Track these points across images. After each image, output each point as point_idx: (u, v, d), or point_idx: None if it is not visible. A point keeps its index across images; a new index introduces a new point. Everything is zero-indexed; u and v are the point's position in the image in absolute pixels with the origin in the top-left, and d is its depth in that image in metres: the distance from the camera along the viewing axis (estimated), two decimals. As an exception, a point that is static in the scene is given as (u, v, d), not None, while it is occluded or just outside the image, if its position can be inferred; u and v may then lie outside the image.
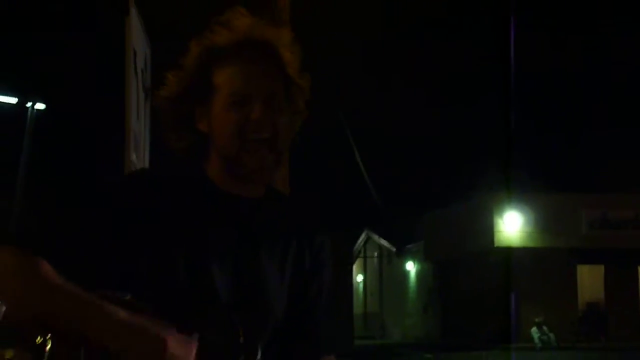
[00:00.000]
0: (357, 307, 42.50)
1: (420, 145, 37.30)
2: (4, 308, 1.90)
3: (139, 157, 5.11)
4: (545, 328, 26.65)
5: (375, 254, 44.27)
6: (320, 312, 2.03)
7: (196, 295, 1.85)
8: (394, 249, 40.21)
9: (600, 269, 29.06)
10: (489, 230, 28.63)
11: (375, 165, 29.82)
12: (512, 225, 28.18)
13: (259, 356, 1.81)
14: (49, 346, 1.78)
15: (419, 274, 38.25)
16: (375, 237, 42.33)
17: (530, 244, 28.17)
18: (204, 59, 1.96)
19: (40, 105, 20.46)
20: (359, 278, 45.99)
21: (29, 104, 20.29)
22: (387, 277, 42.60)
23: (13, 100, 20.63)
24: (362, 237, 44.01)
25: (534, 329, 26.59)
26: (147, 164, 5.51)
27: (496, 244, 28.35)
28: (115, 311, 1.73)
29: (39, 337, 1.79)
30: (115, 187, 1.95)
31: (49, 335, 1.79)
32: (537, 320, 26.66)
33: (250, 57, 1.95)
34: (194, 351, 1.73)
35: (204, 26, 2.00)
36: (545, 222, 28.28)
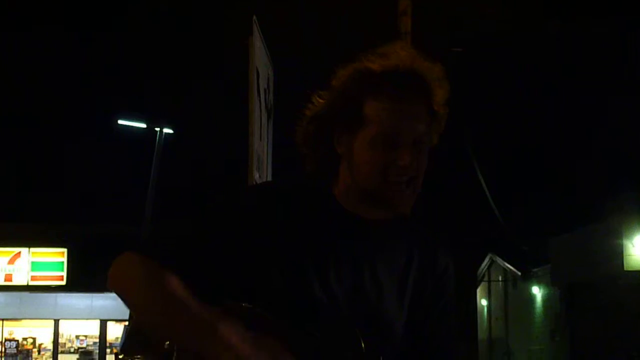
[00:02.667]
0: (482, 332, 41.83)
1: (546, 166, 36.60)
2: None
3: (262, 176, 5.14)
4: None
5: (500, 278, 43.52)
6: (443, 337, 2.00)
7: (318, 308, 1.85)
8: (519, 273, 39.45)
9: None
10: (619, 253, 27.79)
11: (500, 187, 29.38)
12: (643, 249, 27.28)
13: None
14: (175, 353, 1.82)
15: (545, 298, 37.39)
16: (500, 260, 41.62)
17: (662, 268, 27.19)
18: (357, 84, 1.92)
19: (168, 130, 21.01)
20: (484, 302, 45.29)
21: (157, 129, 20.85)
22: (512, 301, 41.81)
23: (143, 125, 21.24)
24: (486, 260, 43.36)
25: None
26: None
27: (626, 267, 27.49)
28: (229, 335, 1.73)
29: (166, 344, 1.84)
30: (243, 201, 1.96)
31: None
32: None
33: (404, 93, 1.90)
34: None
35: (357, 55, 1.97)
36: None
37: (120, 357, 1.89)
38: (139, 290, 1.85)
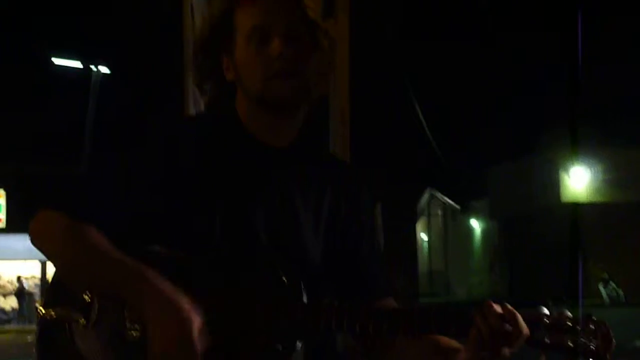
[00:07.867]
0: (422, 264, 42.44)
1: (483, 97, 36.87)
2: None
3: (198, 112, 5.11)
4: (612, 284, 26.31)
5: (439, 212, 44.08)
6: (366, 254, 2.03)
7: (237, 241, 1.87)
8: (458, 207, 40.00)
9: (671, 224, 28.55)
10: (555, 185, 28.29)
11: (438, 120, 29.55)
12: (578, 181, 27.79)
13: (304, 299, 1.80)
14: (96, 304, 1.83)
15: (484, 231, 38.04)
16: (439, 194, 42.14)
17: (598, 200, 27.75)
18: (227, 4, 1.96)
19: (104, 69, 20.69)
20: (423, 236, 45.90)
21: (93, 68, 20.52)
22: (451, 234, 42.45)
23: (78, 64, 20.89)
24: (426, 195, 43.83)
25: (600, 285, 26.29)
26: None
27: (562, 199, 28.02)
28: (156, 278, 1.75)
29: (86, 296, 1.85)
30: (150, 142, 1.95)
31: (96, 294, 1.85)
32: (603, 276, 26.35)
33: None
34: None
35: None
36: (613, 177, 27.82)
37: (42, 311, 1.90)
38: (62, 246, 1.85)
